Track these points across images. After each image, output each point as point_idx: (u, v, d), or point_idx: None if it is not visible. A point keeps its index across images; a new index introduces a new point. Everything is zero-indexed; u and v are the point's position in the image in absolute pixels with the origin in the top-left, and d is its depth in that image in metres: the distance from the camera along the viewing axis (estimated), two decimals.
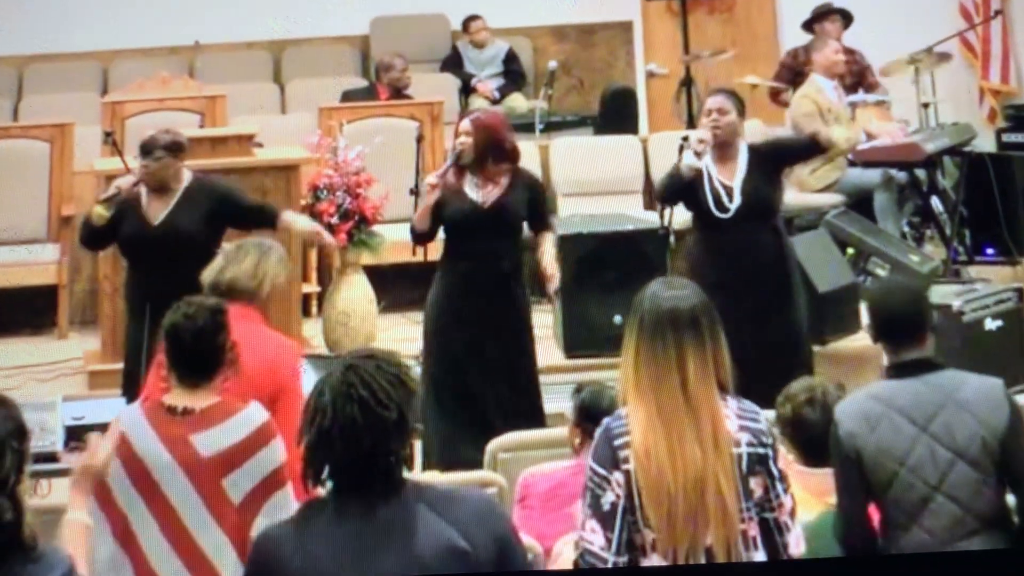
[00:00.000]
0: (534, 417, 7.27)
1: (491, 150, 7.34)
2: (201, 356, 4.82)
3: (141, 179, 7.28)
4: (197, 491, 4.70)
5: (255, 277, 5.60)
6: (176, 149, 7.32)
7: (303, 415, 3.52)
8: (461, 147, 7.32)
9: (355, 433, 3.45)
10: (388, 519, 3.46)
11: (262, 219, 7.39)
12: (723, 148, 7.44)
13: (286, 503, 4.67)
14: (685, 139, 7.95)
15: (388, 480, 3.49)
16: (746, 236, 7.39)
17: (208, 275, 5.70)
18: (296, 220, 7.67)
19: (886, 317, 4.72)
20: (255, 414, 4.81)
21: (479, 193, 7.34)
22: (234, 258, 5.70)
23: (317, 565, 3.45)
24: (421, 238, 7.50)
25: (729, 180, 7.43)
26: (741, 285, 7.29)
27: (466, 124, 7.38)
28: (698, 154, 7.34)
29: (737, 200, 7.39)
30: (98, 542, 4.72)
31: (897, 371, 4.65)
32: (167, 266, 7.06)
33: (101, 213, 7.25)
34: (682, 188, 7.42)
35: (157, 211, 7.32)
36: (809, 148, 7.87)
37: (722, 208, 7.39)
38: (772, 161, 7.62)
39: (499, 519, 3.63)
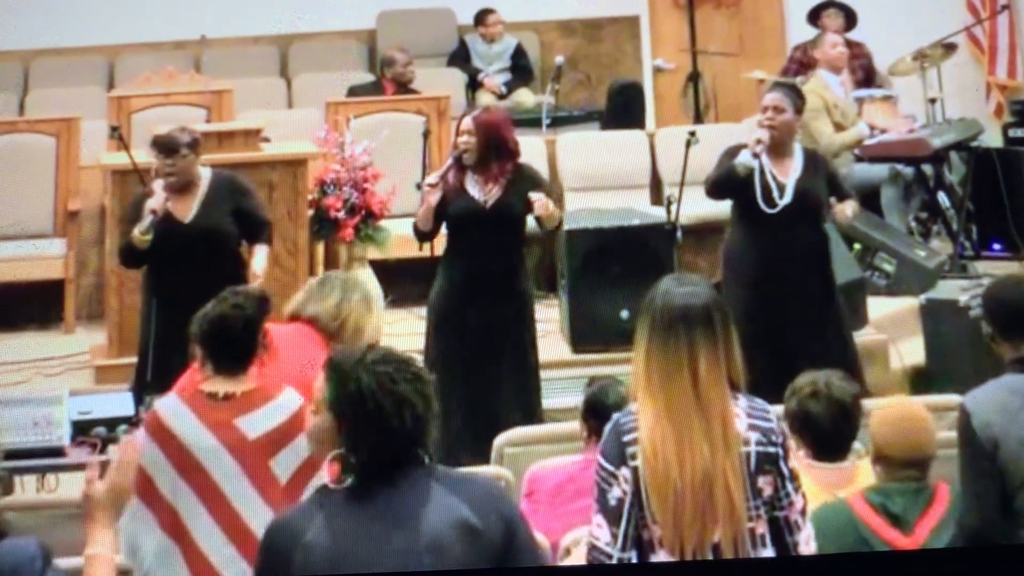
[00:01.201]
0: (533, 413, 7.26)
1: (494, 149, 7.29)
2: (247, 344, 4.85)
3: (167, 183, 7.28)
4: (245, 473, 4.71)
5: (337, 318, 5.47)
6: (196, 146, 7.38)
7: (368, 416, 3.53)
8: (464, 147, 7.29)
9: (428, 407, 3.63)
10: (403, 495, 3.51)
11: (255, 236, 7.44)
12: (778, 145, 7.41)
13: None
14: (692, 134, 7.95)
15: (407, 458, 3.56)
16: (790, 233, 7.38)
17: (290, 307, 5.60)
18: (256, 256, 7.48)
19: (1011, 312, 4.64)
20: (292, 398, 4.82)
21: (481, 191, 7.30)
22: (317, 294, 5.57)
23: (334, 542, 3.46)
24: (424, 236, 7.50)
25: (783, 176, 7.42)
26: (781, 282, 7.34)
27: (468, 123, 7.32)
28: (756, 155, 7.31)
29: (788, 197, 7.38)
30: (144, 537, 4.75)
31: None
32: (195, 261, 7.12)
33: (144, 239, 7.23)
34: (734, 185, 7.39)
35: (185, 209, 7.35)
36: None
37: (771, 203, 7.38)
38: (827, 175, 7.61)
39: (508, 502, 3.70)
